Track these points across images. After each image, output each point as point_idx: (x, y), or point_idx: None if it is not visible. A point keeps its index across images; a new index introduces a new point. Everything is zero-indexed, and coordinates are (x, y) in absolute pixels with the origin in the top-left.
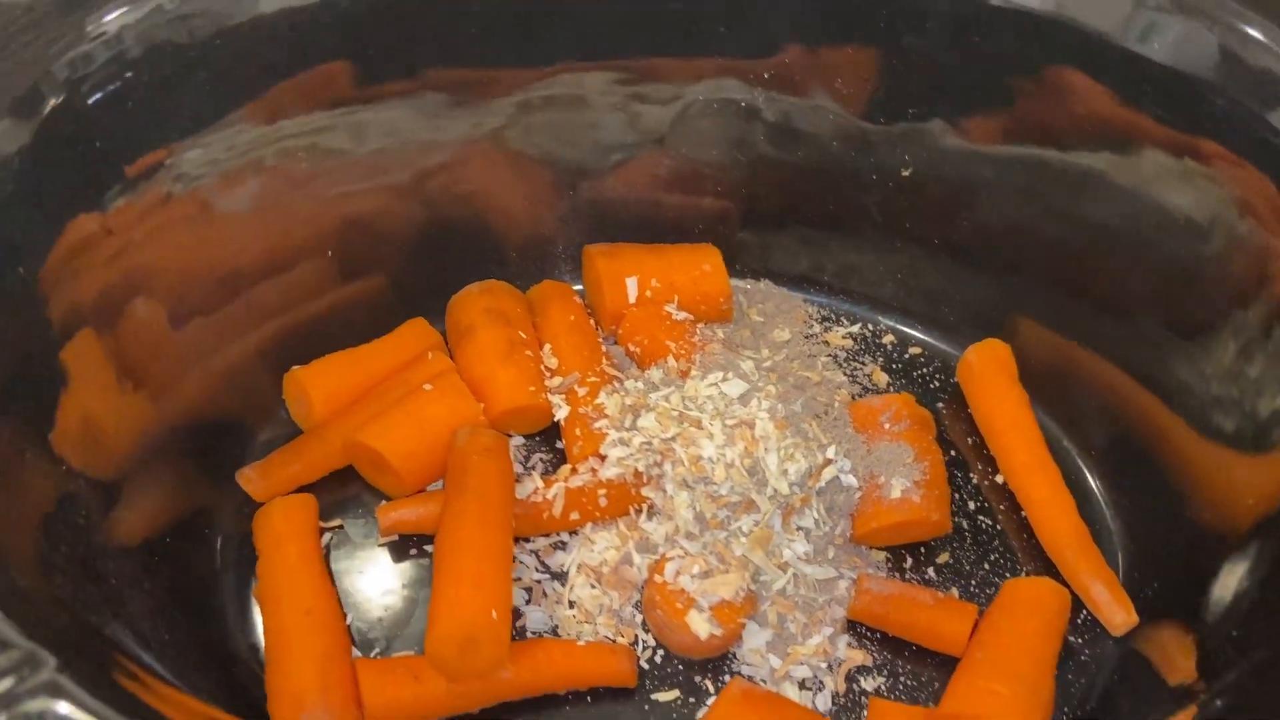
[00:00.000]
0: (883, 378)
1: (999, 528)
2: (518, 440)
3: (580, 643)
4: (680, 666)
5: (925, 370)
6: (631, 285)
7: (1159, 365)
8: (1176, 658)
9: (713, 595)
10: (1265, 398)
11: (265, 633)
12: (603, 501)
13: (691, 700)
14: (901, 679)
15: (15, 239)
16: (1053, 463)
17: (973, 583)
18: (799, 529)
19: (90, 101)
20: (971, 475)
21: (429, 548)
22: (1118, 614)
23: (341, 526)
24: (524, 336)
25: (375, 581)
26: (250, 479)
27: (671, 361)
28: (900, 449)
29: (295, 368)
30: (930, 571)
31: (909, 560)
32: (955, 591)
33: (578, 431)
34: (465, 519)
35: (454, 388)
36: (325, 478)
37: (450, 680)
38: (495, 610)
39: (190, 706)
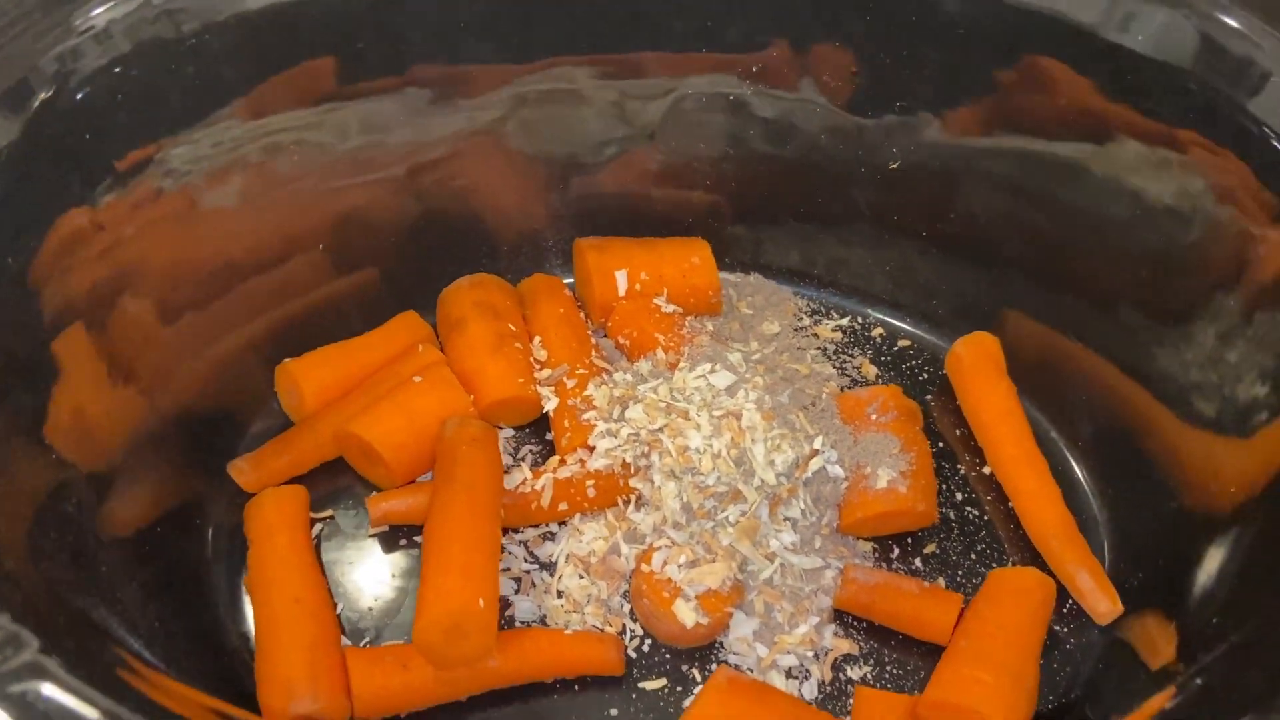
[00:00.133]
0: (872, 370)
1: (986, 518)
2: (507, 432)
3: (568, 632)
4: (667, 655)
5: (914, 363)
6: (621, 278)
7: (1142, 354)
8: (1159, 644)
9: (699, 585)
10: (1244, 383)
11: (255, 621)
12: (591, 492)
13: (679, 689)
14: (887, 668)
15: (5, 233)
16: (1040, 454)
17: (959, 573)
18: (786, 519)
19: (79, 96)
20: (959, 466)
21: (419, 538)
22: (1102, 603)
23: (332, 517)
24: (514, 329)
25: (366, 571)
26: (242, 470)
27: (660, 354)
28: (886, 440)
29: (287, 360)
30: (917, 562)
31: (896, 550)
32: (942, 581)
33: (566, 423)
34: (453, 509)
35: (444, 380)
36: (316, 469)
37: (438, 668)
38: (483, 599)
39: (179, 692)
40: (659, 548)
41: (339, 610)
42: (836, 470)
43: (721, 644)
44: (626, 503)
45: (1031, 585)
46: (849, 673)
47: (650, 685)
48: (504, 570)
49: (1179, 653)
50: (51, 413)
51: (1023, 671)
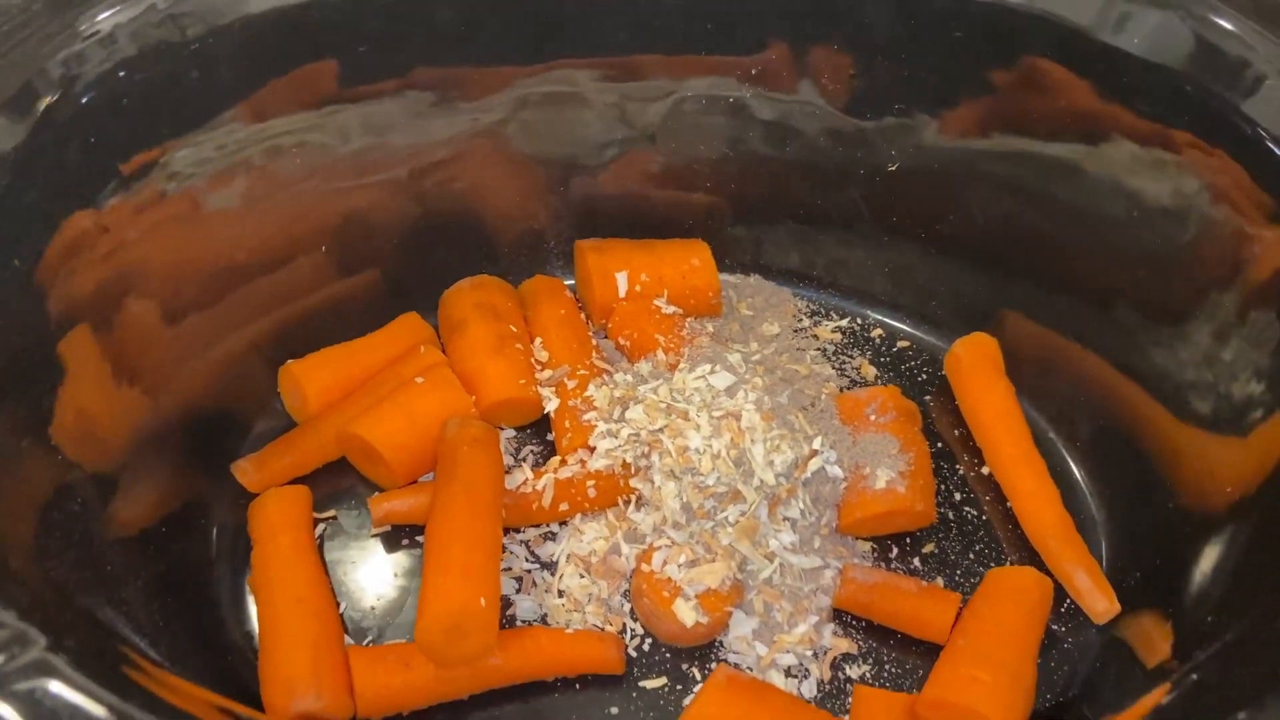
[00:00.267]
0: (871, 371)
1: (985, 518)
2: (508, 432)
3: (569, 631)
4: (667, 654)
5: (913, 364)
6: (621, 280)
7: (1139, 354)
8: (1156, 642)
9: (699, 584)
10: (1240, 381)
11: (259, 620)
12: (591, 492)
13: (679, 687)
14: (886, 666)
15: (11, 235)
16: (1038, 454)
17: (958, 572)
18: (785, 519)
19: (84, 100)
20: (958, 467)
21: (421, 538)
22: (1100, 602)
23: (335, 517)
24: (515, 330)
25: (368, 571)
26: (245, 470)
27: (660, 355)
28: (885, 440)
29: (290, 362)
30: (916, 561)
31: (895, 550)
32: (940, 581)
33: (567, 424)
34: (454, 509)
35: (445, 380)
36: (319, 470)
37: (440, 667)
38: (484, 598)
39: (184, 689)
40: (659, 547)
41: (342, 609)
42: (835, 470)
43: (721, 643)
44: (627, 503)
45: (1029, 585)
46: (848, 671)
47: (650, 684)
48: (505, 570)
49: (1175, 651)
50: (57, 413)
51: (1020, 670)
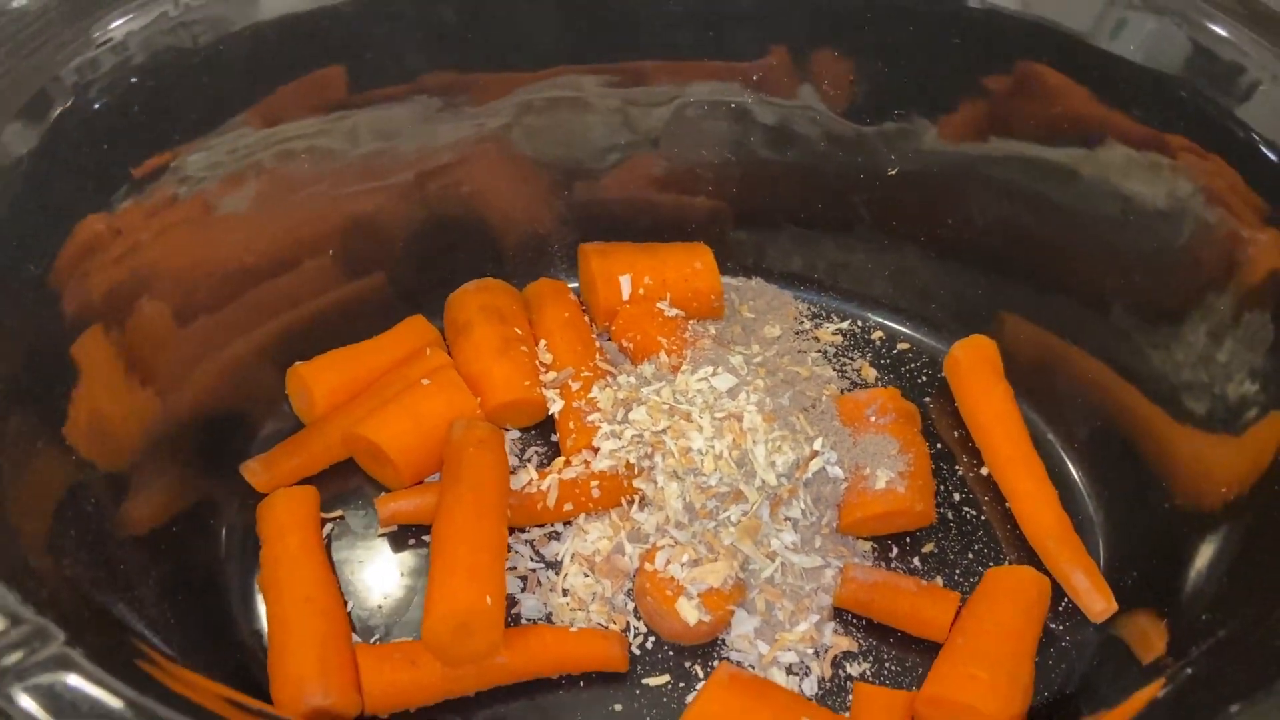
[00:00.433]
0: (871, 373)
1: (983, 518)
2: (513, 433)
3: (573, 629)
4: (670, 652)
5: (913, 365)
6: (625, 283)
7: (1135, 355)
8: (1151, 640)
9: (702, 583)
10: (1234, 381)
11: (268, 619)
12: (595, 493)
13: (681, 685)
14: (886, 664)
15: (26, 239)
16: (1036, 455)
17: (957, 572)
18: (786, 519)
19: (97, 106)
20: (957, 467)
21: (427, 538)
22: (1097, 602)
23: (342, 517)
24: (519, 333)
25: (375, 570)
26: (254, 471)
27: (663, 357)
28: (885, 441)
29: (298, 363)
30: (915, 561)
31: (895, 550)
32: (940, 580)
33: (571, 425)
34: (460, 509)
35: (451, 382)
36: (327, 470)
37: (446, 665)
38: (489, 597)
39: (196, 683)
40: (662, 547)
41: (349, 608)
42: (836, 471)
43: (723, 641)
44: (630, 503)
45: (1027, 584)
46: (848, 669)
47: (653, 681)
48: (510, 569)
49: (1170, 648)
50: (71, 414)
51: (1018, 668)
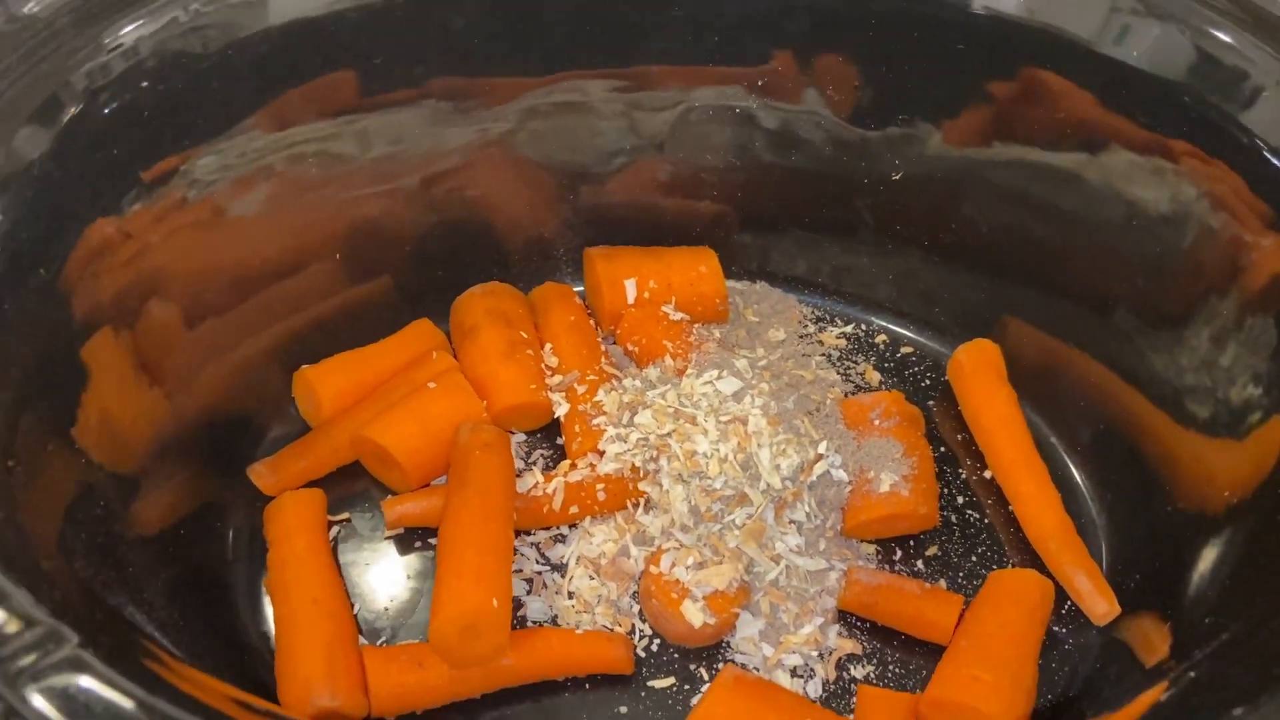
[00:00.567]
0: (875, 376)
1: (987, 521)
2: (519, 436)
3: (579, 631)
4: (675, 655)
5: (917, 369)
6: (630, 287)
7: (1138, 359)
8: (1154, 643)
9: (707, 586)
10: (1237, 385)
11: (275, 621)
12: (601, 495)
13: (686, 687)
14: (890, 667)
15: (37, 242)
16: (1039, 458)
17: (960, 574)
18: (791, 522)
19: (107, 110)
20: (961, 471)
21: (434, 540)
22: (1100, 604)
23: (349, 520)
24: (525, 336)
25: (381, 573)
26: (261, 474)
27: (668, 360)
28: (889, 444)
29: (304, 367)
30: (919, 564)
31: (898, 553)
32: (943, 583)
33: (577, 428)
34: (467, 512)
35: (457, 386)
36: (333, 473)
37: (452, 667)
38: (496, 599)
39: (206, 683)
40: (667, 550)
41: (356, 610)
42: (840, 474)
43: (728, 644)
44: (635, 506)
45: (1030, 587)
46: (852, 672)
47: (659, 684)
48: (516, 571)
49: (1173, 651)
50: (81, 416)
51: (1021, 670)
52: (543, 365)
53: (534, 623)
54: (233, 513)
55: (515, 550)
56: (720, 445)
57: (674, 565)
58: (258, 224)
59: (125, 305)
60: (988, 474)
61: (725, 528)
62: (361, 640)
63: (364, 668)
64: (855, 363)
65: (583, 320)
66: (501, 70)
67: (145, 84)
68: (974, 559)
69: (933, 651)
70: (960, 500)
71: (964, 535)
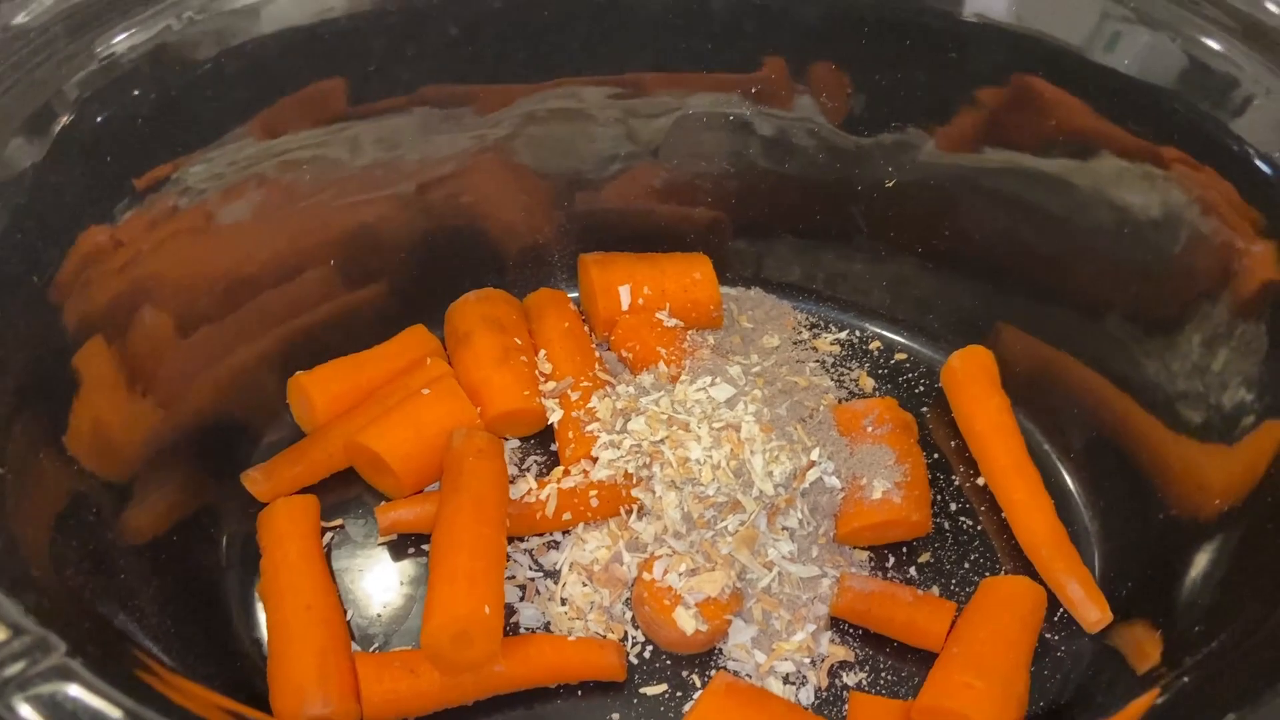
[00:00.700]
0: (869, 383)
1: (979, 528)
2: (513, 443)
3: (571, 638)
4: (668, 661)
5: (910, 376)
6: (624, 293)
7: (1130, 365)
8: (1146, 650)
9: (699, 592)
10: (1229, 390)
11: (268, 627)
12: (594, 502)
13: (679, 694)
14: (882, 674)
15: (29, 250)
16: (1032, 465)
17: (953, 581)
18: (784, 529)
19: (99, 119)
20: (954, 477)
21: (427, 546)
22: (1092, 612)
23: (342, 526)
24: (519, 342)
25: (375, 579)
26: (255, 480)
27: (662, 367)
28: (882, 451)
29: (299, 373)
30: (912, 571)
31: (891, 560)
32: (936, 590)
33: (570, 434)
34: (460, 518)
35: (451, 392)
36: (327, 479)
37: (445, 673)
38: (488, 606)
39: (196, 693)
40: (660, 556)
41: (349, 617)
42: (833, 481)
43: (721, 650)
44: (629, 512)
45: (1023, 594)
46: (844, 679)
47: (651, 691)
48: (509, 578)
49: (1165, 658)
50: (73, 424)
51: (1013, 677)
52: (537, 371)
53: (527, 629)
54: (226, 519)
55: (508, 556)
56: (713, 452)
57: (667, 572)
58: (251, 231)
59: (117, 313)
60: (980, 481)
61: (718, 534)
62: (354, 647)
63: (356, 675)
64: (849, 369)
65: (577, 326)
66: (496, 77)
67: (137, 92)
68: (966, 566)
69: (925, 658)
70: (953, 507)
71: (957, 542)
